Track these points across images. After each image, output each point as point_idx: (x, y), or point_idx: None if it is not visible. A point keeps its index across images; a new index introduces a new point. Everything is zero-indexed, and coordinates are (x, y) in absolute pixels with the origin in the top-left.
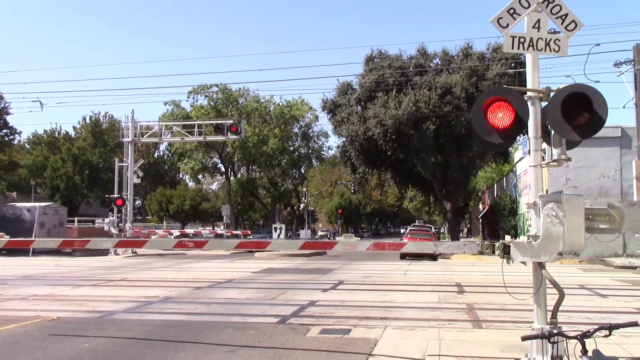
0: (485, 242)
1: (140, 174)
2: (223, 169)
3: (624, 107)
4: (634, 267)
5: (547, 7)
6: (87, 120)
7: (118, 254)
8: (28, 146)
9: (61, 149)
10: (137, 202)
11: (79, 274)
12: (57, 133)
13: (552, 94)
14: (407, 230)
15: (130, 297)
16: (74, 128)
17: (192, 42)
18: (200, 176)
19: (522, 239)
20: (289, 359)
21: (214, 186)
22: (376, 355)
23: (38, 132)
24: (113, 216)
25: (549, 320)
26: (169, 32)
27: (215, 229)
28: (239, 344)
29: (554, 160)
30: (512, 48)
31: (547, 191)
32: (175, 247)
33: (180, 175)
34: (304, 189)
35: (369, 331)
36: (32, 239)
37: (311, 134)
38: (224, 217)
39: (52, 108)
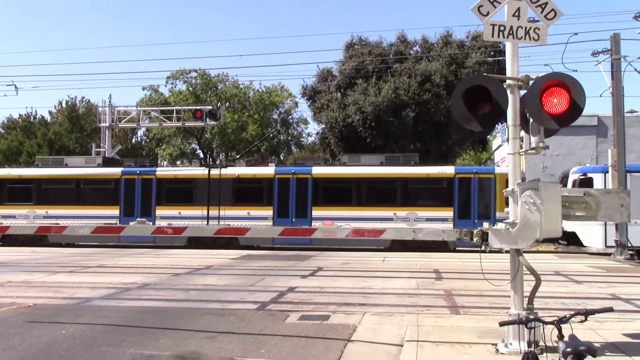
0: (464, 229)
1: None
2: (202, 155)
3: (600, 95)
4: (609, 254)
5: None
6: (64, 105)
7: None
8: (3, 131)
9: (37, 134)
10: None
11: (55, 260)
12: (32, 117)
13: (530, 82)
14: None
15: (108, 284)
16: (50, 113)
17: (170, 26)
18: (178, 162)
19: (500, 226)
20: (267, 345)
21: None
22: (355, 341)
23: (13, 116)
24: None
25: (525, 306)
26: (147, 16)
27: None
28: (218, 330)
29: (532, 148)
30: (492, 36)
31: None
32: (154, 234)
33: (159, 161)
34: None
35: (348, 317)
36: (8, 225)
37: (291, 121)
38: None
39: (28, 92)
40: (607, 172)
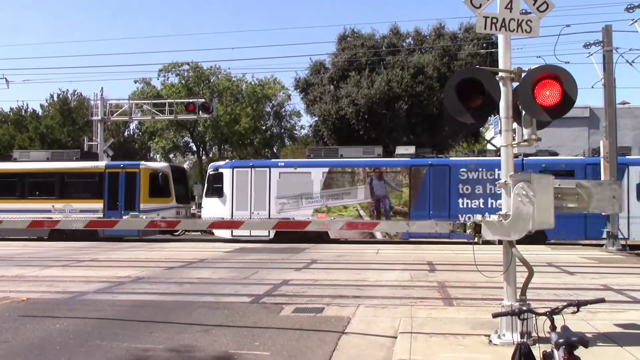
0: (457, 221)
1: (111, 153)
2: (195, 148)
3: (592, 87)
4: (600, 245)
5: None
6: (55, 98)
7: None
8: None
9: (28, 128)
10: None
11: (48, 254)
12: (24, 111)
13: (523, 74)
14: None
15: (102, 278)
16: (42, 106)
17: (162, 19)
18: (171, 155)
19: (493, 217)
20: (262, 338)
21: (186, 165)
22: (349, 333)
23: (4, 110)
24: None
25: (518, 297)
26: (139, 9)
27: None
28: (212, 324)
29: (525, 140)
30: (485, 28)
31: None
32: (148, 227)
33: (151, 155)
34: None
35: (342, 310)
36: (0, 219)
37: (283, 113)
38: (196, 197)
39: (19, 85)
40: (235, 167)
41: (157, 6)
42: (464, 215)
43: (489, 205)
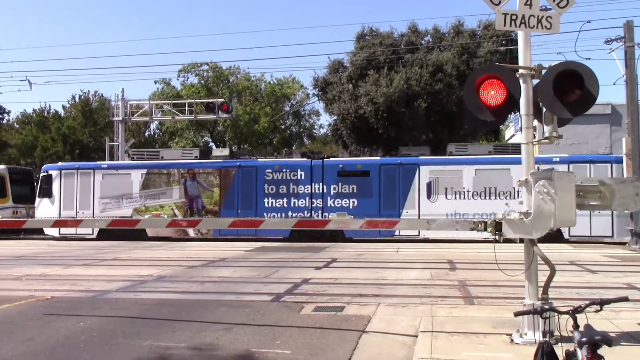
0: (477, 220)
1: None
2: (214, 148)
3: (614, 84)
4: (624, 243)
5: None
6: (77, 99)
7: None
8: (17, 126)
9: (51, 129)
10: None
11: (71, 253)
12: (46, 112)
13: (543, 71)
14: None
15: (124, 276)
16: (64, 107)
17: (182, 20)
18: None
19: (514, 215)
20: (283, 336)
21: None
22: (370, 332)
23: (27, 111)
24: None
25: (540, 296)
26: (158, 10)
27: None
28: (234, 322)
29: (545, 138)
30: (504, 25)
31: (538, 168)
32: (169, 227)
33: None
34: None
35: (362, 308)
36: (24, 219)
37: (302, 112)
38: None
39: (41, 87)
40: (63, 169)
41: (177, 7)
42: (269, 214)
43: (292, 205)
